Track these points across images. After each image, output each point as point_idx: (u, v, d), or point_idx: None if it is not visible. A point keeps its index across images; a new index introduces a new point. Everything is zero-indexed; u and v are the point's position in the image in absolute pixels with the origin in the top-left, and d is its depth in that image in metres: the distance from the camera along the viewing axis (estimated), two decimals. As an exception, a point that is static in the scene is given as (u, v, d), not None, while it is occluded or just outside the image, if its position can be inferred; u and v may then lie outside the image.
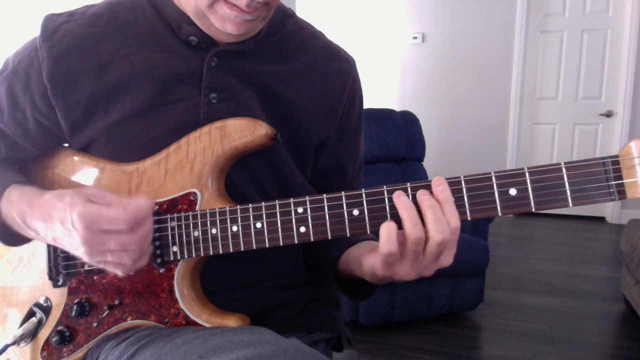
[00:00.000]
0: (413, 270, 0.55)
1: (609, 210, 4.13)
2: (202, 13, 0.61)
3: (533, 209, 0.52)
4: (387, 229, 0.53)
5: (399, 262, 0.55)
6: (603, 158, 0.50)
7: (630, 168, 0.49)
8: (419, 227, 0.52)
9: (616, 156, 0.50)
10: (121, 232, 0.55)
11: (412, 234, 0.52)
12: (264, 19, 0.64)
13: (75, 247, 0.57)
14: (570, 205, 0.51)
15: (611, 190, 0.50)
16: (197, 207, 0.63)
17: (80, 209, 0.55)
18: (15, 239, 0.68)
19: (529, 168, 0.52)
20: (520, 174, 0.52)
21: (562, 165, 0.51)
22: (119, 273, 0.59)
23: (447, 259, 0.55)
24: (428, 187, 0.54)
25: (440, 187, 0.53)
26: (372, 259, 0.58)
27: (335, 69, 0.74)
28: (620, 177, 0.49)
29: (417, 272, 0.56)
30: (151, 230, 0.59)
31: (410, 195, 0.55)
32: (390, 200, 0.55)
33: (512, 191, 0.52)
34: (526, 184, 0.52)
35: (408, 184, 0.55)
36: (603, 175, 0.50)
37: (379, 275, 0.58)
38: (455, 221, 0.53)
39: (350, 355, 0.95)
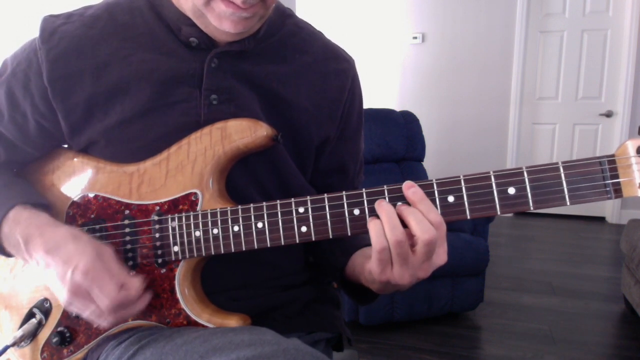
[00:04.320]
0: (406, 273, 0.56)
1: (609, 210, 4.13)
2: (200, 12, 0.61)
3: (531, 208, 0.52)
4: (375, 225, 0.55)
5: (390, 266, 0.56)
6: (600, 157, 0.50)
7: (627, 167, 0.49)
8: (398, 230, 0.54)
9: (612, 155, 0.50)
10: (103, 305, 0.57)
11: (391, 237, 0.54)
12: (261, 17, 0.64)
13: (60, 289, 0.58)
14: (568, 204, 0.51)
15: (607, 189, 0.50)
16: (198, 208, 0.64)
17: (89, 261, 0.57)
18: (5, 255, 0.67)
19: (527, 167, 0.53)
20: (518, 173, 0.53)
21: (560, 164, 0.51)
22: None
23: (440, 258, 0.56)
24: (430, 187, 0.55)
25: (412, 190, 0.55)
26: (369, 263, 0.59)
27: (334, 69, 0.75)
28: (616, 176, 0.50)
29: (410, 273, 0.56)
30: (137, 312, 0.62)
31: (387, 198, 0.56)
32: (391, 199, 0.56)
33: (511, 190, 0.53)
34: (524, 183, 0.52)
35: (385, 186, 0.57)
36: (600, 174, 0.50)
37: (377, 280, 0.59)
38: (435, 216, 0.54)
39: (350, 355, 0.96)
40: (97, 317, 0.58)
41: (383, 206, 0.55)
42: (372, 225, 0.55)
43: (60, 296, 0.58)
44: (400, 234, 0.54)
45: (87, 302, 0.57)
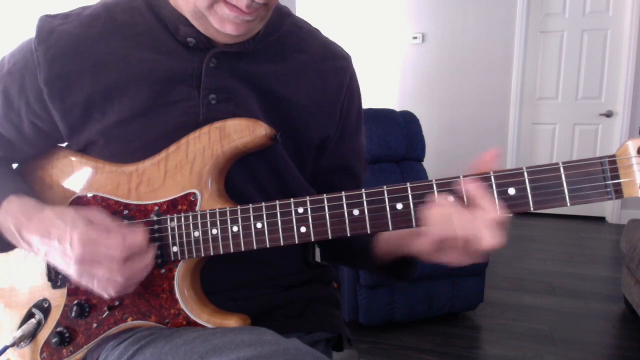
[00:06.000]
0: (463, 257, 0.55)
1: (609, 210, 4.13)
2: (201, 14, 0.61)
3: (532, 209, 0.52)
4: (439, 212, 0.54)
5: (445, 252, 0.56)
6: (600, 158, 0.50)
7: (627, 167, 0.49)
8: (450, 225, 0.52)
9: (613, 155, 0.50)
10: (114, 260, 0.56)
11: (459, 231, 0.52)
12: (262, 19, 0.64)
13: (67, 265, 0.58)
14: (568, 204, 0.51)
15: (608, 189, 0.50)
16: (197, 208, 0.63)
17: (82, 231, 0.57)
18: (6, 246, 0.68)
19: (527, 168, 0.52)
20: (518, 173, 0.52)
21: (560, 165, 0.51)
22: (104, 296, 0.61)
23: (498, 239, 0.53)
24: (429, 187, 0.55)
25: (471, 186, 0.54)
26: (417, 242, 0.59)
27: (332, 67, 0.75)
28: (617, 177, 0.50)
29: (468, 258, 0.55)
30: (147, 267, 0.61)
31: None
32: (391, 200, 0.56)
33: (511, 191, 0.53)
34: (525, 183, 0.52)
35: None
36: (600, 174, 0.50)
37: (426, 259, 0.59)
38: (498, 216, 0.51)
39: (350, 355, 0.96)
40: (111, 273, 0.57)
41: (439, 202, 0.54)
42: (436, 212, 0.53)
43: (70, 272, 0.58)
44: (451, 229, 0.52)
45: (95, 266, 0.57)
